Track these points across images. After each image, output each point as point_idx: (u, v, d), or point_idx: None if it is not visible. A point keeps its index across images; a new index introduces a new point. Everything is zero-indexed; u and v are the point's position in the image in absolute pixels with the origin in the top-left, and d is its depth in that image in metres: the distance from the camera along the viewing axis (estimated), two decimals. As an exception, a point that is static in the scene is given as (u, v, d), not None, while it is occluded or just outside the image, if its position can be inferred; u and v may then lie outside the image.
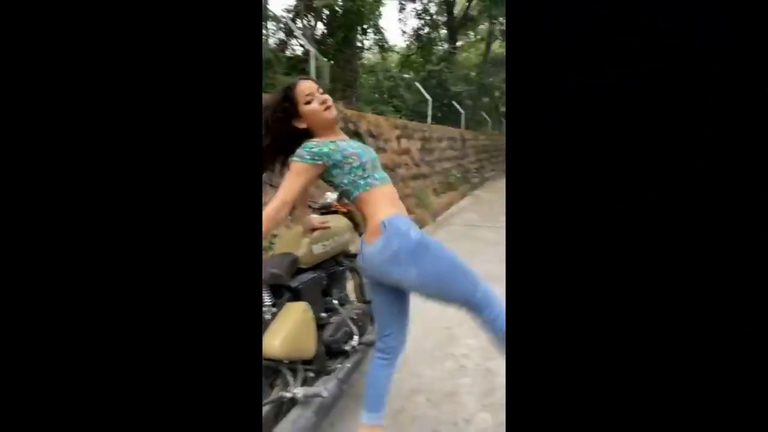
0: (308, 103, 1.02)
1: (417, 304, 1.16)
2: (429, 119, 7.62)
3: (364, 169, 1.02)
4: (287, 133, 1.04)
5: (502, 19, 15.37)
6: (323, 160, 0.99)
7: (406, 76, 11.38)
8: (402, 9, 14.35)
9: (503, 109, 12.84)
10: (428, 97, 7.59)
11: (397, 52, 14.91)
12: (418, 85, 8.36)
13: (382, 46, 12.39)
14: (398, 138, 5.72)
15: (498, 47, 16.27)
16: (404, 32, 17.60)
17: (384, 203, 1.02)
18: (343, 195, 1.09)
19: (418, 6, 14.06)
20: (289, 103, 1.02)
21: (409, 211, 3.33)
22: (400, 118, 6.90)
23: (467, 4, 14.41)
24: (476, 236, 4.33)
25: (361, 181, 1.02)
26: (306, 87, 1.03)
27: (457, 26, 14.51)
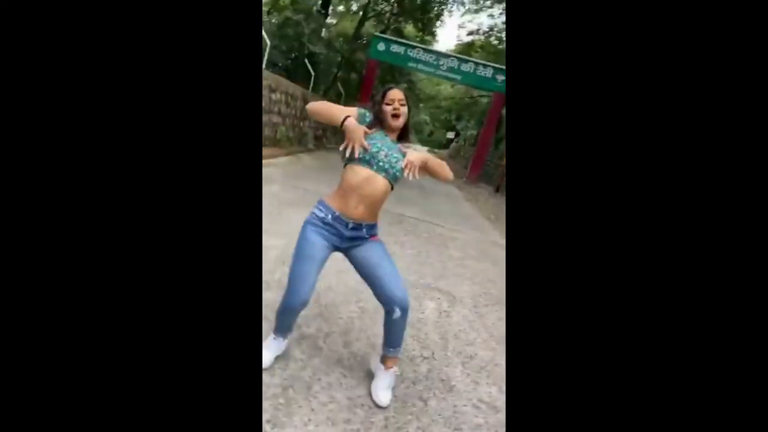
0: (387, 104, 1.42)
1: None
2: (264, 63, 6.93)
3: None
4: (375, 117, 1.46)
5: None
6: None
7: (264, 19, 10.25)
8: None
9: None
10: (267, 40, 6.88)
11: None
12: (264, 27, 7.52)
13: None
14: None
15: (371, 26, 16.30)
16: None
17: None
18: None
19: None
20: (380, 99, 1.44)
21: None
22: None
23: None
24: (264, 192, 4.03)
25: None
26: (391, 93, 1.42)
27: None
